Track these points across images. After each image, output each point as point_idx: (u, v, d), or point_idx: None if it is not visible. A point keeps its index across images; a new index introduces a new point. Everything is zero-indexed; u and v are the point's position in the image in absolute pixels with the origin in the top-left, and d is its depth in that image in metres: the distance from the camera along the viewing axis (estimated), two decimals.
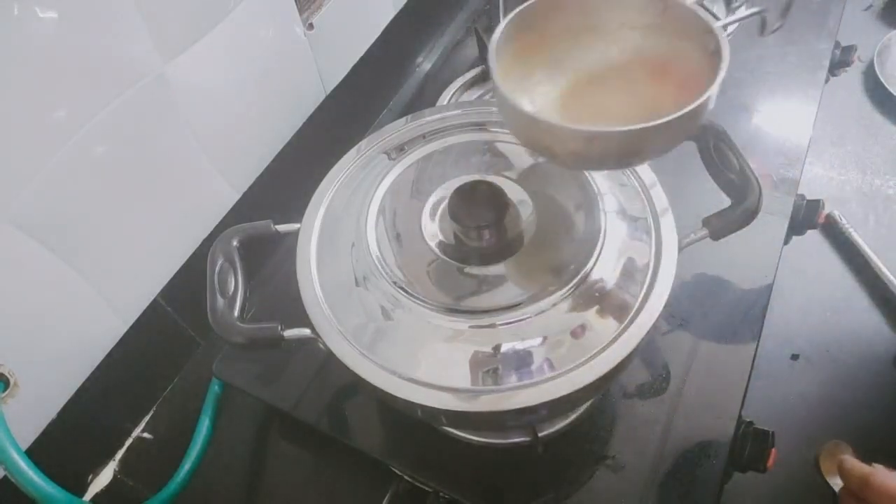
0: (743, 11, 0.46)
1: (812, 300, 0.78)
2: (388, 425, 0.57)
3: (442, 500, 0.53)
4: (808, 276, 0.80)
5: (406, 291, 0.42)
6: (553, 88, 0.46)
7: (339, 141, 0.59)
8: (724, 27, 0.40)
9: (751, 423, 0.55)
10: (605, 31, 0.45)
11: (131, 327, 0.60)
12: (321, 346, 0.43)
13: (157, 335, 0.63)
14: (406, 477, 0.55)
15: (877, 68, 0.95)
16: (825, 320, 0.77)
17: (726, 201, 0.47)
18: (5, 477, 0.46)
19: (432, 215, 0.46)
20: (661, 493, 0.51)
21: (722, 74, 0.37)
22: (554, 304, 0.41)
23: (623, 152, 0.38)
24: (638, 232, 0.45)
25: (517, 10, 0.42)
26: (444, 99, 0.80)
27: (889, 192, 0.87)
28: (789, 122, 0.75)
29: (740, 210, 0.46)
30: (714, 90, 0.37)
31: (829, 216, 0.82)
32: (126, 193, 0.55)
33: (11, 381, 0.49)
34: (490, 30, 0.78)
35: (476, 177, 0.47)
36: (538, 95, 0.45)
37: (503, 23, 0.42)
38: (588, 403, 0.55)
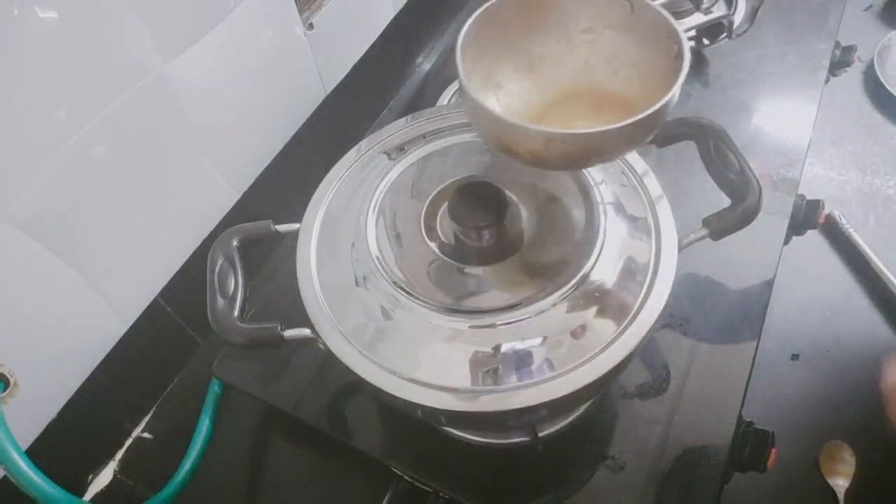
0: (705, 16, 0.46)
1: (812, 300, 0.79)
2: (388, 425, 0.57)
3: (442, 500, 0.53)
4: (808, 276, 0.80)
5: (406, 291, 0.42)
6: (520, 88, 0.46)
7: (339, 141, 0.59)
8: (689, 30, 0.40)
9: (751, 423, 0.55)
10: (574, 31, 0.45)
11: (131, 327, 0.60)
12: (321, 346, 0.43)
13: (157, 335, 0.63)
14: (406, 477, 0.55)
15: (877, 68, 0.95)
16: (825, 320, 0.77)
17: (726, 201, 0.47)
18: (5, 477, 0.46)
19: (432, 215, 0.46)
20: (661, 493, 0.51)
21: (681, 80, 0.37)
22: (554, 304, 0.41)
23: (582, 153, 0.39)
24: (638, 232, 0.45)
25: (483, 7, 0.42)
26: (444, 99, 0.80)
27: (889, 192, 0.87)
28: (789, 122, 0.75)
29: (740, 210, 0.46)
30: (672, 95, 0.37)
31: (829, 216, 0.82)
32: (126, 193, 0.55)
33: (11, 381, 0.49)
34: None
35: (476, 177, 0.47)
36: (504, 95, 0.45)
37: (469, 21, 0.42)
38: (588, 403, 0.55)
